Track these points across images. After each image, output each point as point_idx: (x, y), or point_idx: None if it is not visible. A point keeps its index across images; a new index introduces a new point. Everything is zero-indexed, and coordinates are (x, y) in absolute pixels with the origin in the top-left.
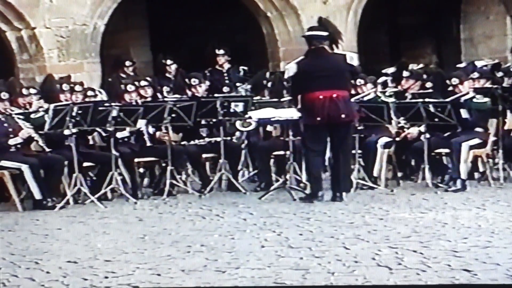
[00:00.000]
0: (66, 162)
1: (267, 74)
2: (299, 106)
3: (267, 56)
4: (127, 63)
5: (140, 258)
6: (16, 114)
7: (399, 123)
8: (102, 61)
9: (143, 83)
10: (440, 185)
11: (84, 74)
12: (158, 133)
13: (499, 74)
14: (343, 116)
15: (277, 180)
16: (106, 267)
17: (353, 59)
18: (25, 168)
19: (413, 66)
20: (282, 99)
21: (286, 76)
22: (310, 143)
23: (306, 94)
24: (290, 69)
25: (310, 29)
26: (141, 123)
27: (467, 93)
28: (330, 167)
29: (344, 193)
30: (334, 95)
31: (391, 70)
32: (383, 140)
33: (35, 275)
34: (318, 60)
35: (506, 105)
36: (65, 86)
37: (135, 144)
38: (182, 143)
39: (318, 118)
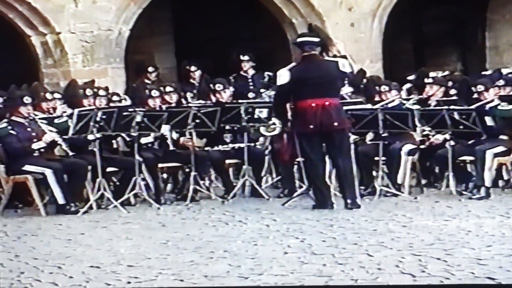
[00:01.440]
0: (89, 167)
1: None
2: (289, 114)
3: (291, 63)
4: (150, 69)
5: (163, 264)
6: (39, 118)
7: (423, 130)
8: (126, 67)
9: (168, 89)
10: (464, 192)
11: (108, 79)
12: (182, 139)
13: None
14: (335, 124)
15: (300, 187)
16: (129, 272)
17: (345, 66)
18: (48, 172)
19: (437, 74)
20: None
21: (278, 83)
22: (307, 151)
23: (298, 102)
24: (282, 76)
25: (301, 35)
26: (165, 129)
27: (492, 101)
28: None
29: (358, 199)
30: (327, 103)
31: (413, 77)
32: (407, 147)
33: (58, 279)
34: (311, 67)
35: None
36: (88, 91)
37: (158, 150)
38: (206, 148)
39: (311, 126)
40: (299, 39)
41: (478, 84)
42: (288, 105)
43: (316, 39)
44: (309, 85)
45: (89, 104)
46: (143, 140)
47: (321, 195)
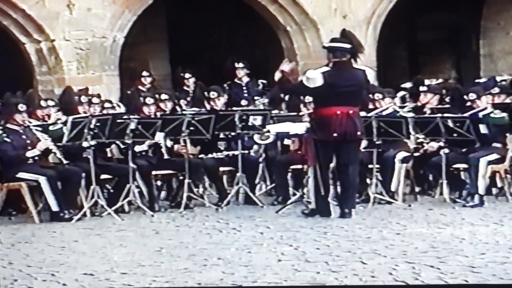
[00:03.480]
0: (83, 174)
1: None
2: (306, 119)
3: None
4: (144, 73)
5: (156, 271)
6: (34, 126)
7: (418, 138)
8: (121, 74)
9: (163, 96)
10: (458, 200)
11: (103, 86)
12: (176, 146)
13: None
14: (359, 133)
15: (294, 194)
16: (123, 280)
17: (371, 75)
18: (42, 180)
19: (431, 81)
20: (300, 113)
21: (311, 86)
22: (322, 156)
23: (322, 108)
24: (313, 79)
25: (334, 40)
26: (159, 136)
27: (485, 108)
28: (339, 184)
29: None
30: (351, 112)
31: (409, 85)
32: (401, 154)
33: (52, 287)
34: (341, 74)
35: None
36: (83, 98)
37: (152, 157)
38: (200, 156)
39: (335, 134)
40: (331, 44)
41: (470, 92)
42: (306, 111)
43: (348, 46)
44: (338, 92)
45: (84, 111)
46: (137, 148)
47: (323, 202)
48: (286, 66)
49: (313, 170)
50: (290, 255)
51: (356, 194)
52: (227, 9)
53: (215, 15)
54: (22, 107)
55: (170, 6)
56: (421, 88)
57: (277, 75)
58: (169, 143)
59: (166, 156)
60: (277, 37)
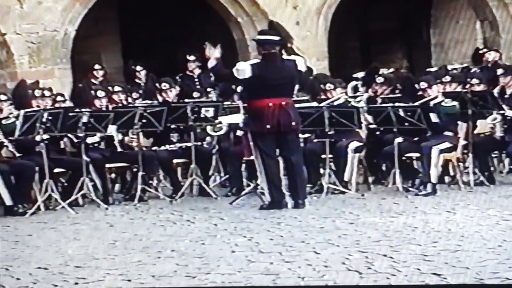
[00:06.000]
0: (37, 168)
1: None
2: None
3: (238, 61)
4: (96, 66)
5: (110, 264)
6: None
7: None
8: (73, 67)
9: (117, 88)
10: (410, 189)
11: (55, 80)
12: (126, 138)
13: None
14: (293, 124)
15: (248, 185)
16: (77, 273)
17: (301, 65)
18: None
19: (383, 71)
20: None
21: (240, 77)
22: (263, 149)
23: (254, 101)
24: (244, 70)
25: (262, 33)
26: (111, 129)
27: (436, 97)
28: (287, 176)
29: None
30: (283, 103)
31: (361, 74)
32: (354, 144)
33: (5, 281)
34: (271, 66)
35: (476, 109)
36: (37, 92)
37: (106, 150)
38: (153, 148)
39: (268, 126)
40: (259, 37)
41: (421, 81)
42: (241, 103)
43: (277, 38)
44: (268, 84)
45: (38, 105)
46: (89, 140)
47: (278, 194)
48: (206, 51)
49: (262, 164)
50: (243, 246)
51: (305, 184)
52: (179, 1)
53: (167, 7)
54: None
55: None
56: (379, 80)
57: (210, 63)
58: (120, 136)
59: (119, 149)
60: (228, 28)
